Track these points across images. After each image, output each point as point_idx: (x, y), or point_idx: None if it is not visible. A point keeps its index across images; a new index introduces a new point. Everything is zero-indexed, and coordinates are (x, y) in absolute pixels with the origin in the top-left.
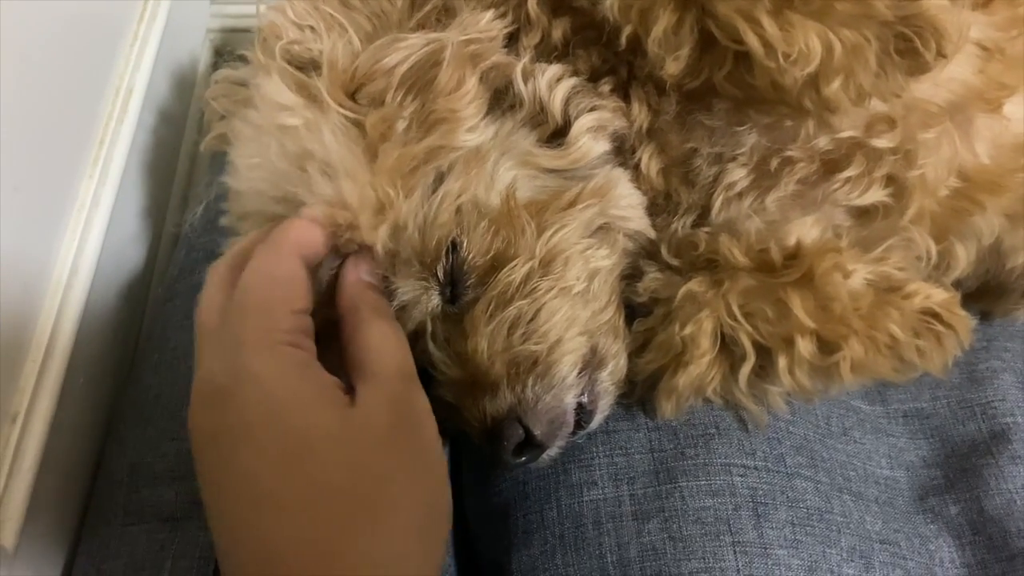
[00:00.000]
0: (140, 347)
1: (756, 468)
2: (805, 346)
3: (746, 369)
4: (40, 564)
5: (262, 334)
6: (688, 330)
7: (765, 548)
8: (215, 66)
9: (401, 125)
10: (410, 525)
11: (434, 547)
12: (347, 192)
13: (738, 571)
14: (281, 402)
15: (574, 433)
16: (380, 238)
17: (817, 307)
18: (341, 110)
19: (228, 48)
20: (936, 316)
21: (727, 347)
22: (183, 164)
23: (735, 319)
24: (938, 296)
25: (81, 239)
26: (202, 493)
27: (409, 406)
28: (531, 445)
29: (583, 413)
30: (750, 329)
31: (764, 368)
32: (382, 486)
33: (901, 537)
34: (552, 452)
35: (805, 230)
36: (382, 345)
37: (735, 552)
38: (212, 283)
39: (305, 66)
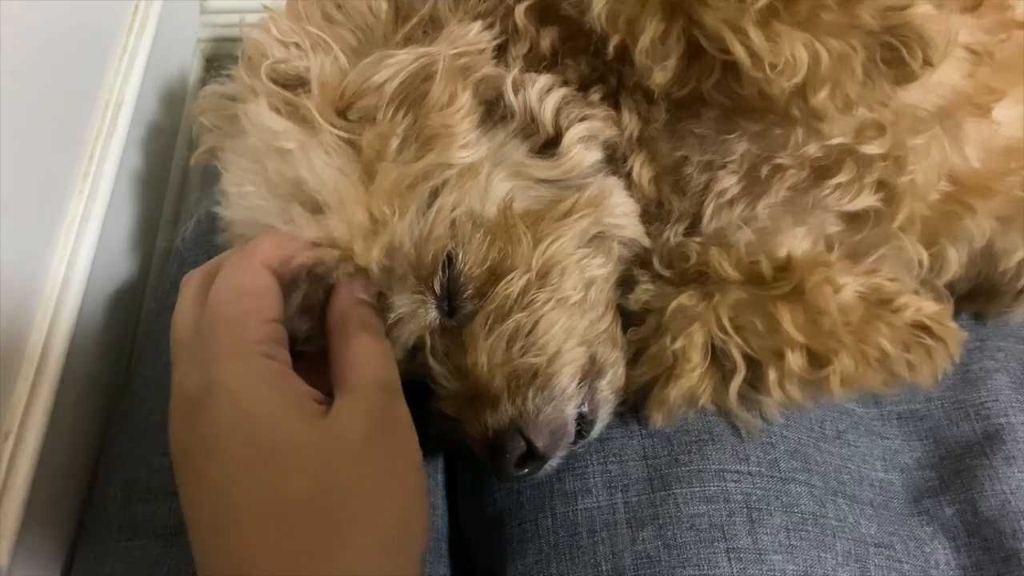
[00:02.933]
0: (132, 362)
1: (750, 473)
2: (795, 360)
3: (737, 382)
4: None
5: (233, 345)
6: (679, 343)
7: (760, 554)
8: (206, 77)
9: (395, 142)
10: (379, 538)
11: (406, 561)
12: (335, 228)
13: None
14: (251, 413)
15: (575, 443)
16: (374, 259)
17: (807, 321)
18: (333, 130)
19: (217, 61)
20: (926, 329)
21: (718, 360)
22: (175, 177)
23: (726, 332)
24: (929, 308)
25: (72, 254)
26: (180, 504)
27: (387, 418)
28: (533, 457)
29: (584, 423)
30: (740, 342)
31: (755, 381)
32: (351, 498)
33: (896, 540)
34: (554, 463)
35: (796, 242)
36: (365, 357)
37: (729, 558)
38: (185, 296)
39: (292, 84)
